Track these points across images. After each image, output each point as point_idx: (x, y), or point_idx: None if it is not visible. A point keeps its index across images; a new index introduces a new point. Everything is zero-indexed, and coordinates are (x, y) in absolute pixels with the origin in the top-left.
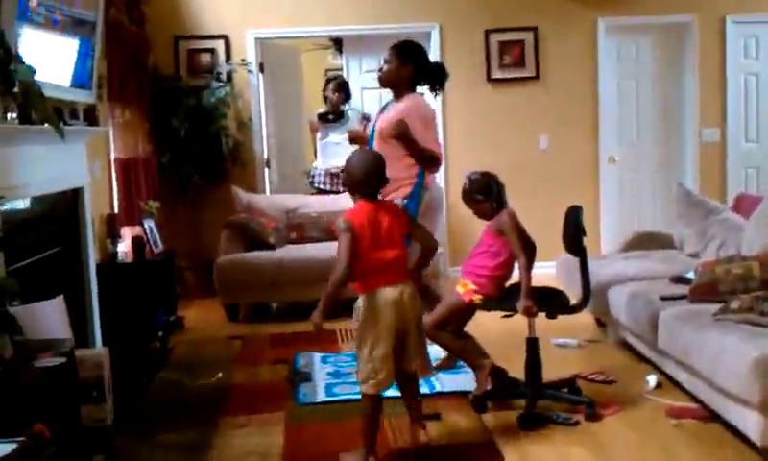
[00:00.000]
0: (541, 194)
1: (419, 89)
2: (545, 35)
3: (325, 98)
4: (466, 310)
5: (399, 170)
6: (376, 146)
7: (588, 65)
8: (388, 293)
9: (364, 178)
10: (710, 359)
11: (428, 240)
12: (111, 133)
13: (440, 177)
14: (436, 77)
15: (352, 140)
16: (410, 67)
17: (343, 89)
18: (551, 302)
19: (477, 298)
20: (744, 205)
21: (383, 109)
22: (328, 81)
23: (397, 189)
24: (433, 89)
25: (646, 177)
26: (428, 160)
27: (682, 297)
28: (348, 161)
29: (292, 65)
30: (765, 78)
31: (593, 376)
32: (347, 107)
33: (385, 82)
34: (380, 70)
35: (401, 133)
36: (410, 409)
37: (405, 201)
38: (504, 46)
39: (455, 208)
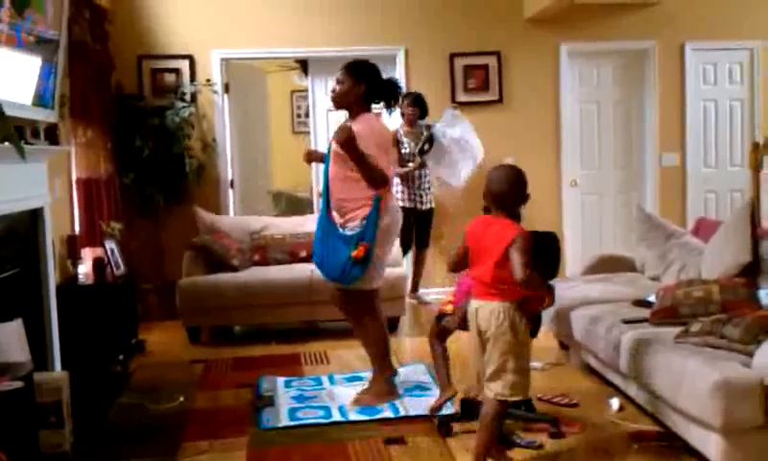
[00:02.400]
0: None
1: (374, 108)
2: (509, 59)
3: (402, 114)
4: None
5: (356, 191)
6: (332, 168)
7: (550, 90)
8: (470, 305)
9: (495, 193)
10: (672, 382)
11: (516, 269)
12: (73, 152)
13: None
14: (390, 94)
15: (309, 159)
16: (363, 86)
17: (418, 104)
18: None
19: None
20: (703, 229)
21: None
22: (404, 96)
23: (355, 210)
24: (388, 107)
25: (607, 200)
26: (375, 178)
27: (643, 320)
28: (488, 174)
29: (257, 86)
30: (723, 104)
31: (557, 399)
32: (422, 122)
33: (339, 103)
34: (333, 91)
35: (345, 140)
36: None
37: (364, 222)
38: (468, 70)
39: None
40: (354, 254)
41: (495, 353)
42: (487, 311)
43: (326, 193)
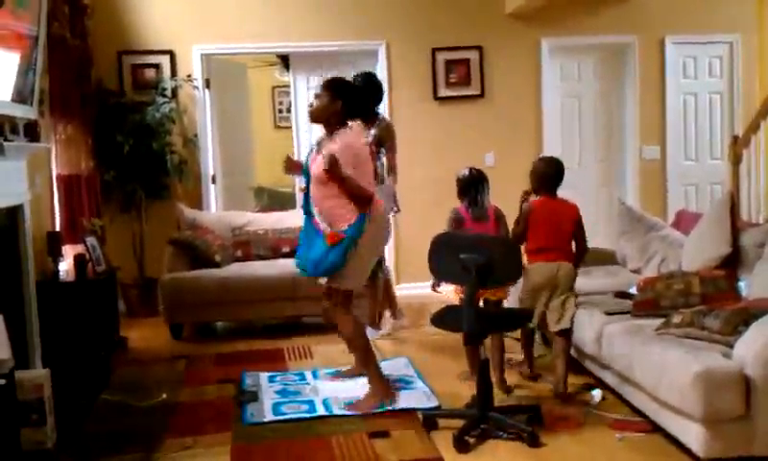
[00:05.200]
0: None
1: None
2: (490, 54)
3: None
4: None
5: (339, 207)
6: (313, 189)
7: (531, 84)
8: (544, 266)
9: (544, 179)
10: (653, 373)
11: (583, 245)
12: (53, 149)
13: None
14: (365, 115)
15: (289, 169)
16: (339, 104)
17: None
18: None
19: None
20: (684, 221)
21: (317, 145)
22: None
23: (338, 221)
24: (365, 124)
25: (589, 193)
26: (359, 198)
27: (625, 312)
28: (534, 166)
29: (238, 81)
30: (703, 97)
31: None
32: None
33: (315, 118)
34: (310, 105)
35: (331, 168)
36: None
37: (349, 228)
38: (450, 64)
39: (403, 227)
40: (327, 237)
41: (564, 299)
42: (566, 269)
43: (307, 204)
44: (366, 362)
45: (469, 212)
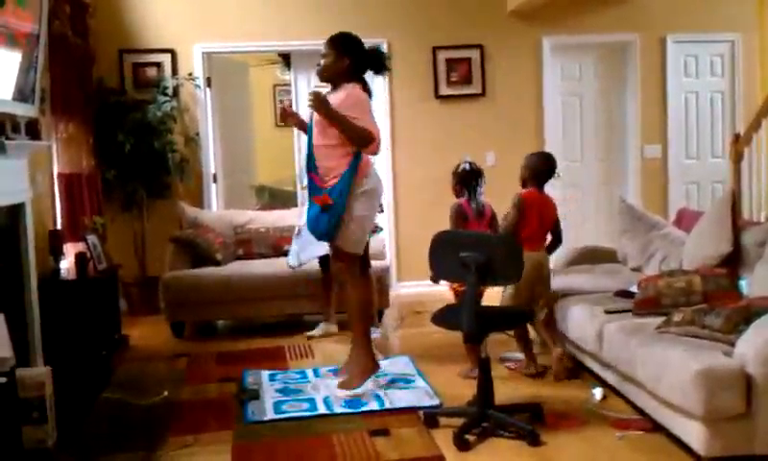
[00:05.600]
0: None
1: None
2: (492, 53)
3: None
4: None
5: (333, 159)
6: (315, 137)
7: (533, 83)
8: (533, 254)
9: (536, 173)
10: (654, 372)
11: (558, 233)
12: (54, 147)
13: (388, 192)
14: (375, 64)
15: (285, 117)
16: (347, 60)
17: None
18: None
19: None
20: (685, 219)
21: None
22: None
23: (332, 178)
24: (377, 73)
25: (590, 192)
26: (358, 135)
27: (626, 310)
28: (527, 160)
29: (240, 80)
30: (704, 96)
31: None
32: None
33: (324, 76)
34: (318, 65)
35: (318, 104)
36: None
37: (334, 189)
38: (451, 63)
39: (404, 225)
40: (316, 199)
41: (547, 285)
42: (547, 260)
43: (310, 160)
44: (362, 333)
45: (471, 208)
